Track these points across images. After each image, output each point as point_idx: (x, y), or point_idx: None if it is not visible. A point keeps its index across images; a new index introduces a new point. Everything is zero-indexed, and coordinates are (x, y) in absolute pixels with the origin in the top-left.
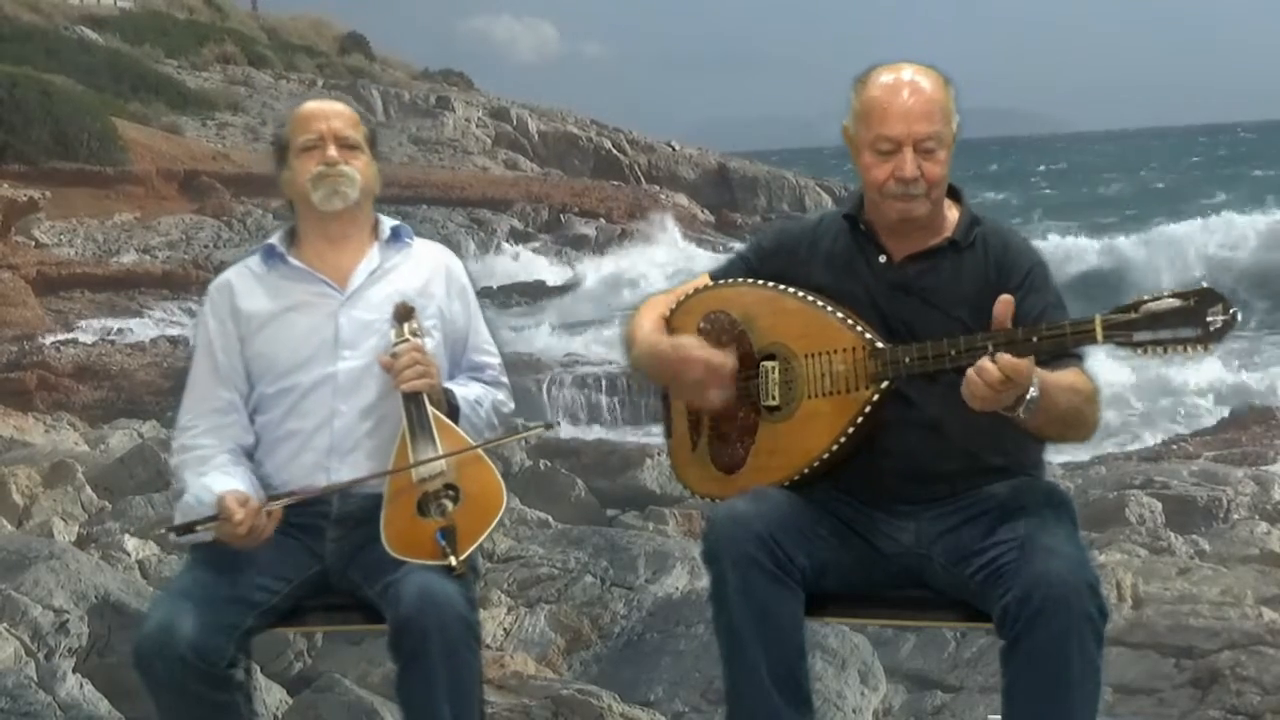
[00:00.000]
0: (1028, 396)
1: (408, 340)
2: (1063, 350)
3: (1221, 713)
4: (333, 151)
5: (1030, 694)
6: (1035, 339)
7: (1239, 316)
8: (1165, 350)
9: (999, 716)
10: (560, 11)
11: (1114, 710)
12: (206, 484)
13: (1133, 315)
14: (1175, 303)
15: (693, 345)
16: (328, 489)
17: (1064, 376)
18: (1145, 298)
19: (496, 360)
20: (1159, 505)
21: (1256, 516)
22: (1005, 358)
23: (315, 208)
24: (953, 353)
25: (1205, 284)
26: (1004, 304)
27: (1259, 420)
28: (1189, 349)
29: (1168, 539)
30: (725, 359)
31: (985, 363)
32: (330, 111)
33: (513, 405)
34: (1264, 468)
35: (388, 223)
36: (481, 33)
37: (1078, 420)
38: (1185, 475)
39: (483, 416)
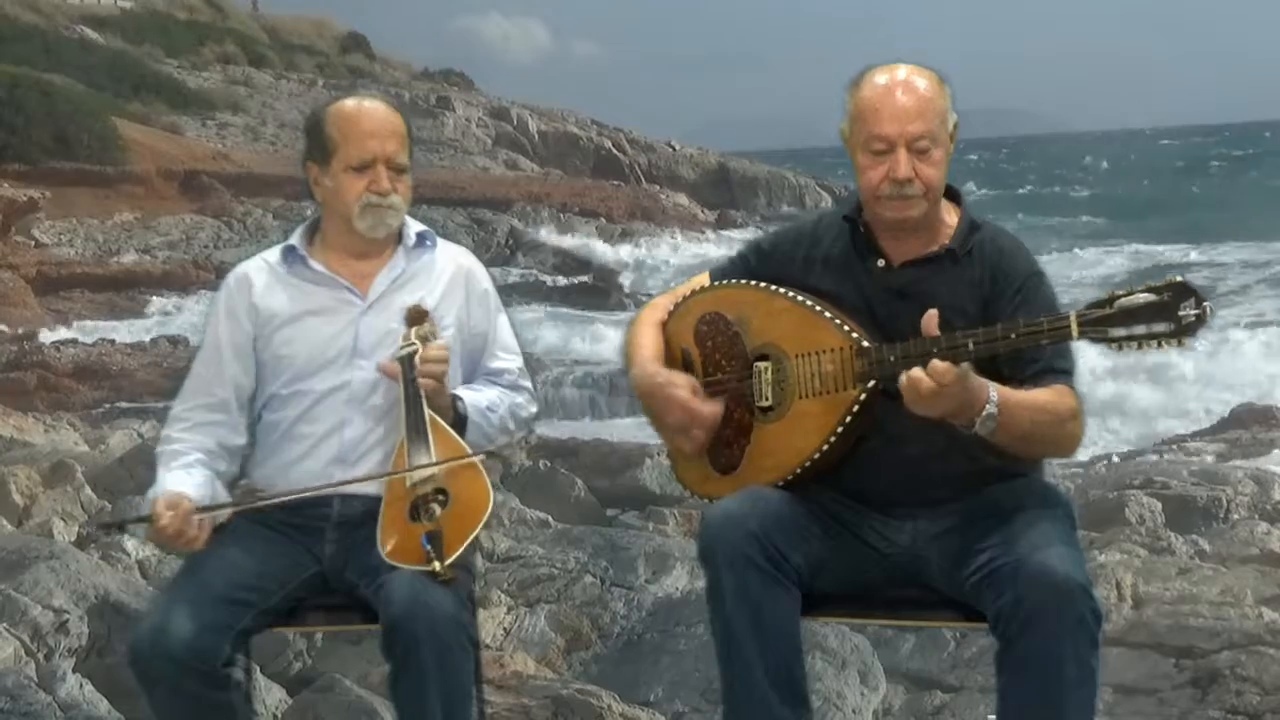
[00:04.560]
0: (984, 413)
1: (414, 344)
2: (1039, 345)
3: (1221, 713)
4: (385, 183)
5: (1025, 697)
6: (1013, 335)
7: (1211, 310)
8: (1140, 345)
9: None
10: (550, 10)
11: (1114, 710)
12: (165, 481)
13: (1107, 311)
14: (1149, 297)
15: (680, 387)
16: (292, 494)
17: (1035, 396)
18: (1120, 293)
19: (517, 364)
20: (1159, 505)
21: (1256, 516)
22: (934, 364)
23: (355, 228)
24: (935, 350)
25: (1179, 278)
26: (929, 319)
27: (1259, 420)
28: (1163, 344)
29: (1168, 539)
30: (709, 410)
31: (915, 372)
32: (386, 131)
33: (534, 409)
34: (1264, 468)
35: (413, 227)
36: (472, 33)
37: (1047, 439)
38: (1185, 475)
39: (494, 423)
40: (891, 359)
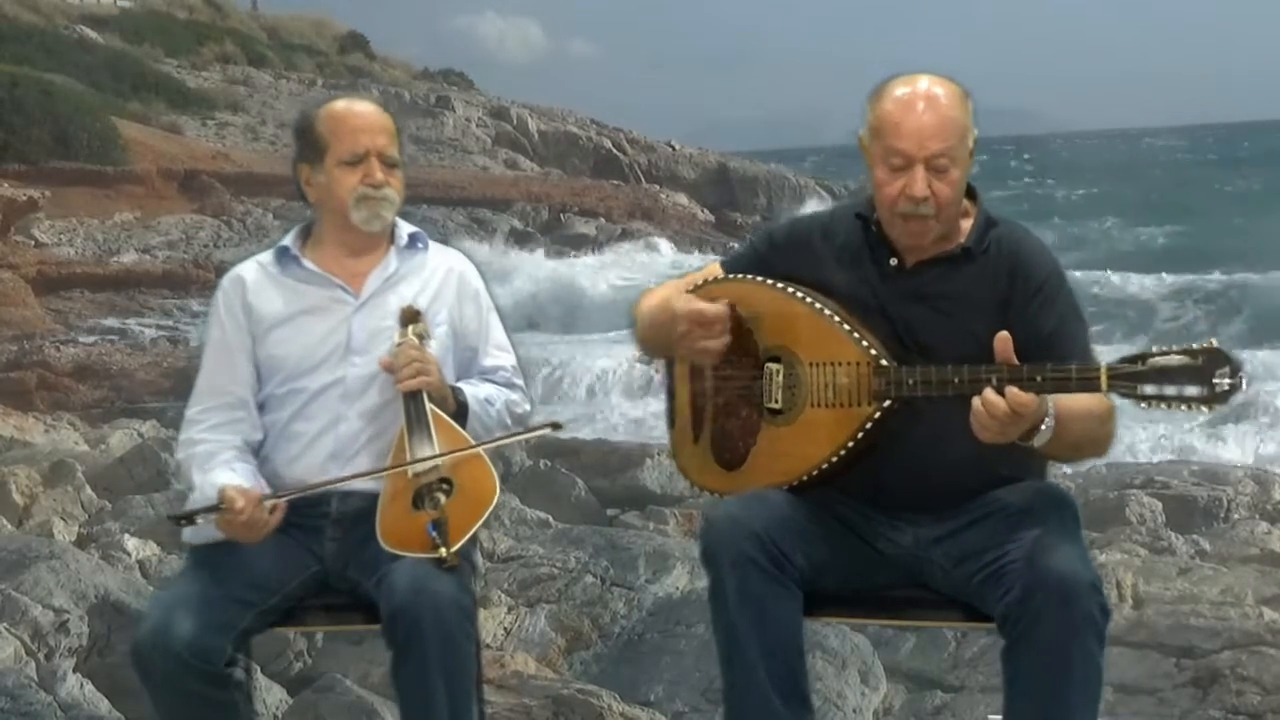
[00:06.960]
0: (1043, 427)
1: (411, 340)
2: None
3: (1222, 713)
4: (379, 174)
5: (1032, 693)
6: (1039, 378)
7: (1245, 380)
8: (1169, 406)
9: (999, 716)
10: (545, 9)
11: (1114, 710)
12: (211, 480)
13: (1139, 368)
14: (1183, 360)
15: (679, 299)
16: (329, 483)
17: (1080, 401)
18: (1153, 351)
19: (511, 362)
20: (1159, 505)
21: (1256, 516)
22: (1015, 393)
23: (350, 223)
24: (956, 380)
25: (1214, 343)
26: (1002, 341)
27: None
28: (1192, 407)
29: (1168, 539)
30: (715, 307)
31: (991, 395)
32: (376, 126)
33: (528, 407)
34: (1265, 467)
35: (405, 228)
36: (468, 32)
37: (1092, 443)
38: (1185, 475)
39: (493, 415)
40: (910, 382)
